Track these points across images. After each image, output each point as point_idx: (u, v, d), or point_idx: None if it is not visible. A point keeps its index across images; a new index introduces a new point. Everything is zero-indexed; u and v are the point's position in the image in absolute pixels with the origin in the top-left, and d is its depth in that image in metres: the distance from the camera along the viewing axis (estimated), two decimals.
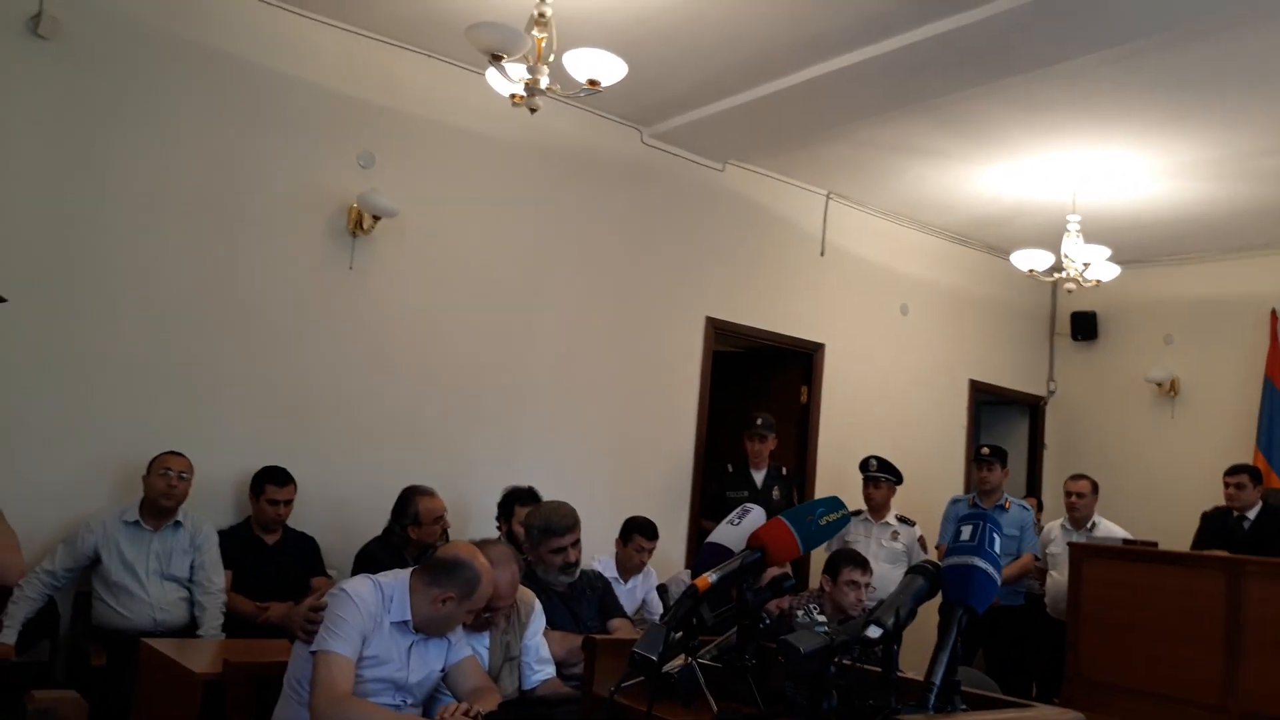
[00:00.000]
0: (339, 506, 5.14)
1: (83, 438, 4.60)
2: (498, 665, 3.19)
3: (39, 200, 4.52)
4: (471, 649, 3.06)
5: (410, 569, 2.96)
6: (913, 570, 1.86)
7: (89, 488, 4.57)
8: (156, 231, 4.79)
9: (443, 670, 2.95)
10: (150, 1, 4.78)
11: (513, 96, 4.18)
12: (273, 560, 4.77)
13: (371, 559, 4.54)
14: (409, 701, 2.88)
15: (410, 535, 4.73)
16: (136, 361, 4.73)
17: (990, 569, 1.77)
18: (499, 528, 5.01)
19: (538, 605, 3.40)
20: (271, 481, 4.77)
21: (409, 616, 2.84)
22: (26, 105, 4.49)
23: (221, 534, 4.68)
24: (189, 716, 3.14)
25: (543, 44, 4.14)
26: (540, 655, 3.31)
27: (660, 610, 5.11)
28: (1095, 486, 6.29)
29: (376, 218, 5.25)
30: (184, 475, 4.49)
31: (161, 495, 4.42)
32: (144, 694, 3.57)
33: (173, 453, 4.52)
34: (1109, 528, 6.16)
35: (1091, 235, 6.57)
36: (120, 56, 4.71)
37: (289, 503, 4.81)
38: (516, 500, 4.92)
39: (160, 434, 4.65)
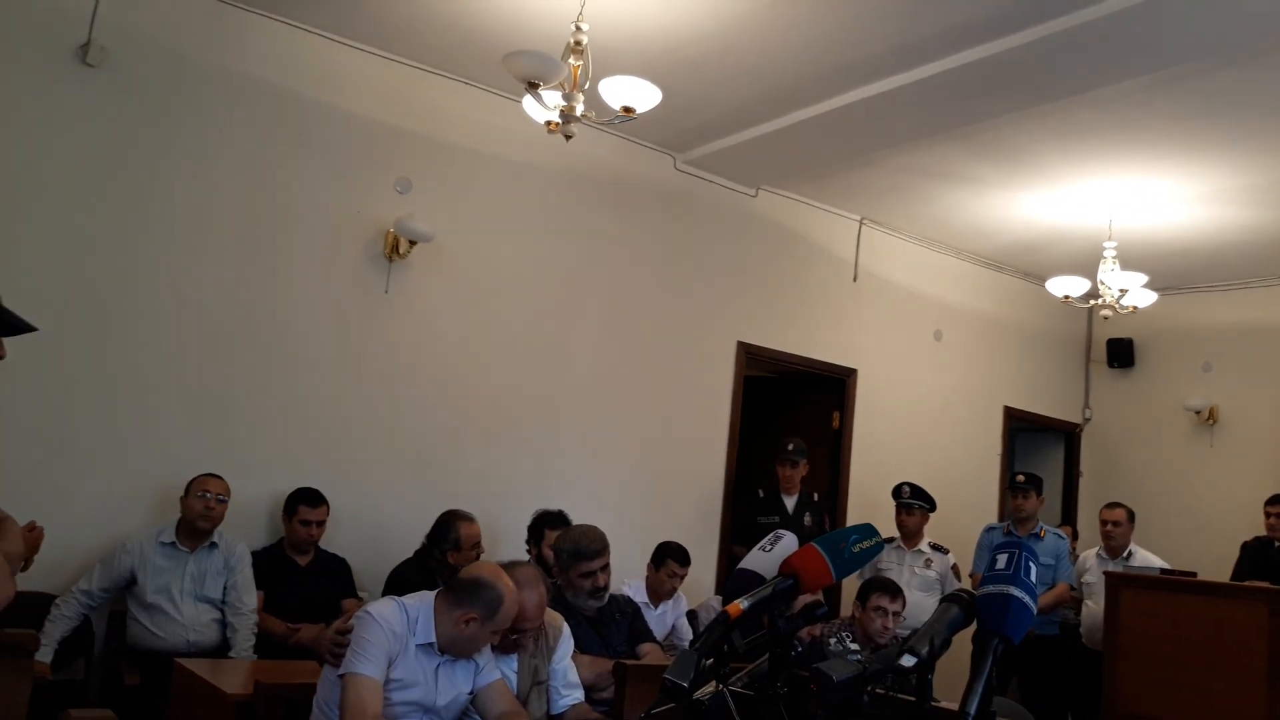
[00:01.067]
0: (372, 528, 5.17)
1: (121, 458, 4.65)
2: (525, 689, 3.18)
3: (82, 224, 4.60)
4: (500, 672, 3.06)
5: (435, 590, 2.97)
6: (947, 599, 1.84)
7: (127, 508, 4.63)
8: (197, 255, 4.87)
9: (471, 693, 2.95)
10: (195, 31, 4.88)
11: (548, 124, 4.21)
12: (305, 581, 4.80)
13: (403, 581, 4.54)
14: None
15: (449, 560, 4.71)
16: (175, 383, 4.79)
17: (1026, 598, 1.74)
18: (529, 551, 5.01)
19: (566, 629, 3.39)
20: (304, 503, 4.81)
21: (434, 638, 2.84)
22: (73, 131, 4.59)
23: (254, 555, 4.71)
24: None
25: (578, 72, 4.17)
26: (568, 680, 3.29)
27: (690, 636, 5.11)
28: (1132, 515, 6.20)
29: (413, 243, 5.30)
30: (222, 498, 4.53)
31: (199, 517, 4.46)
32: (176, 714, 3.59)
33: (211, 475, 4.56)
34: (1146, 557, 6.06)
35: (1128, 262, 6.51)
36: (166, 85, 4.81)
37: (321, 524, 4.84)
38: (546, 524, 4.92)
39: (197, 455, 4.71)
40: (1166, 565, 5.82)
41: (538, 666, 3.24)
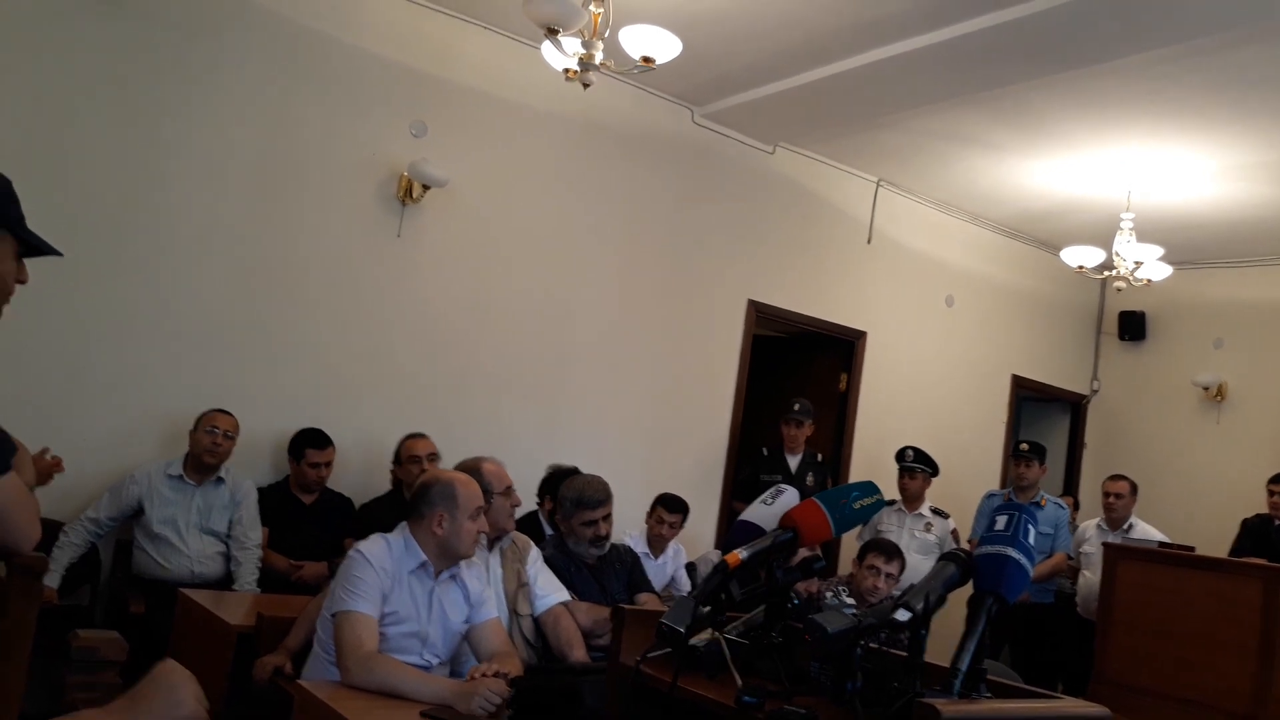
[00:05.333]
0: (378, 469, 5.21)
1: (133, 391, 4.69)
2: (512, 591, 3.32)
3: (99, 159, 4.60)
4: (497, 613, 3.10)
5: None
6: (945, 557, 1.86)
7: (136, 439, 4.67)
8: (212, 191, 4.87)
9: (465, 623, 2.98)
10: None
11: (566, 71, 4.19)
12: (309, 520, 4.85)
13: (369, 513, 4.76)
14: (436, 659, 2.92)
15: (394, 474, 4.91)
16: (186, 318, 4.81)
17: (1023, 560, 1.77)
18: (540, 504, 5.01)
19: (533, 546, 3.53)
20: (311, 445, 4.84)
21: (424, 558, 2.88)
22: (90, 65, 4.57)
23: (261, 492, 4.75)
24: (223, 666, 3.21)
25: (599, 19, 4.14)
26: (541, 583, 3.40)
27: (688, 588, 5.16)
28: (1134, 488, 6.21)
29: (426, 187, 5.29)
30: (230, 434, 4.57)
31: (206, 452, 4.50)
32: (180, 642, 3.65)
33: (221, 410, 4.60)
34: (1146, 530, 6.08)
35: (1144, 234, 6.47)
36: (183, 19, 4.77)
37: (328, 465, 4.88)
38: (562, 479, 4.91)
39: (207, 391, 4.74)
40: (1166, 539, 5.84)
41: (519, 570, 3.39)
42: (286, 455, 4.91)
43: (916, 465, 6.18)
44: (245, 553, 4.54)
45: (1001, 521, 1.81)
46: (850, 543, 6.36)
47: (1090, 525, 6.33)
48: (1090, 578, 6.00)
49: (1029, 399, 8.65)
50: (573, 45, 4.12)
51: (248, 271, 4.96)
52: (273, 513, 4.77)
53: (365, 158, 5.24)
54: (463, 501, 2.89)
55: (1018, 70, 5.07)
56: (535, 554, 3.51)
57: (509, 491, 3.38)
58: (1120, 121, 5.71)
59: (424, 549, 2.89)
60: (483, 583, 3.08)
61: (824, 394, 7.16)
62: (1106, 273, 6.46)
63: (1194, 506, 7.43)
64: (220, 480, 4.58)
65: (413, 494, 2.98)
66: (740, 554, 1.96)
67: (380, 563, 2.81)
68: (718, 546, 6.14)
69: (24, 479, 1.77)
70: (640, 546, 5.13)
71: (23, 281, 1.73)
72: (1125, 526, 6.11)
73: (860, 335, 7.28)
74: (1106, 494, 6.22)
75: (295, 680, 2.81)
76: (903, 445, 6.31)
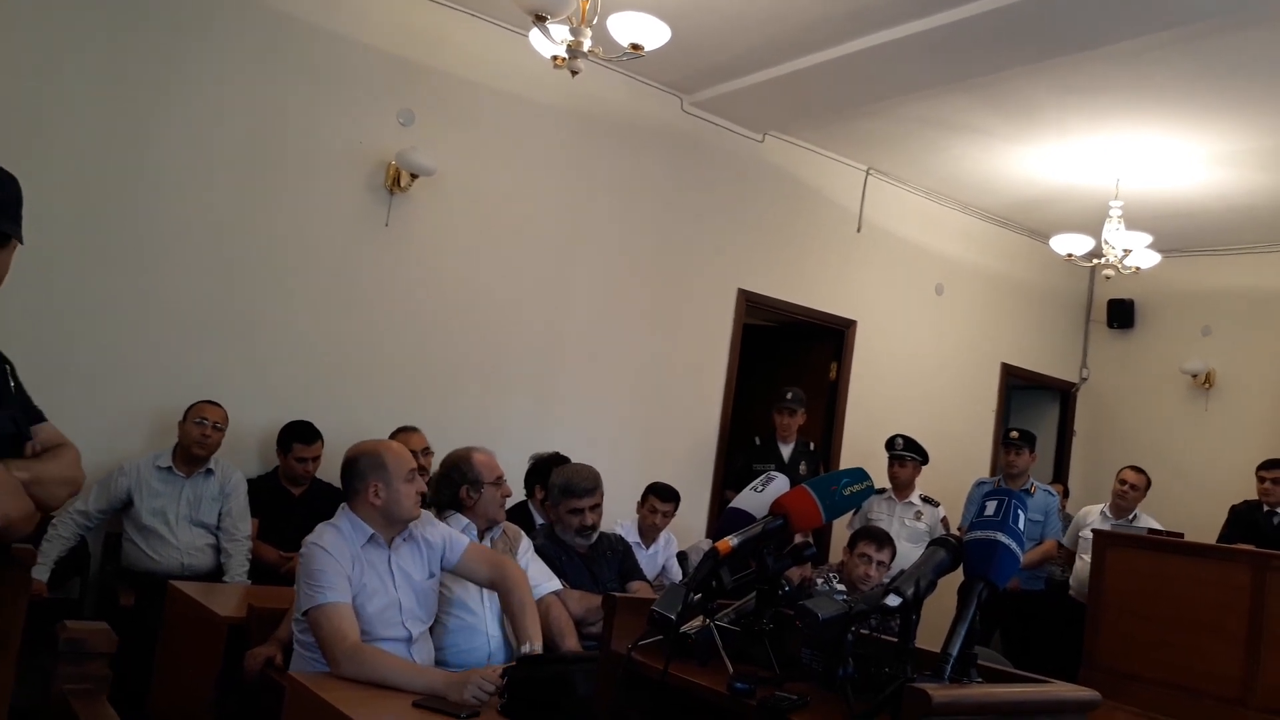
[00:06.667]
0: None
1: (120, 382, 4.67)
2: None
3: (83, 149, 4.56)
4: (466, 538, 3.12)
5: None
6: (935, 543, 1.86)
7: (125, 431, 4.65)
8: (198, 181, 4.84)
9: (432, 577, 2.97)
10: None
11: (554, 58, 4.16)
12: (298, 510, 4.82)
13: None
14: (420, 624, 2.91)
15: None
16: (174, 309, 4.78)
17: (1013, 544, 1.77)
18: (530, 494, 4.99)
19: (524, 537, 3.53)
20: (299, 440, 4.82)
21: (370, 530, 2.87)
22: (74, 55, 4.53)
23: (250, 483, 4.74)
24: (213, 657, 3.21)
25: (587, 6, 4.12)
26: (532, 573, 3.38)
27: (679, 576, 5.15)
28: (1149, 483, 6.23)
29: (414, 176, 5.27)
30: (219, 425, 4.55)
31: (195, 443, 4.49)
32: (170, 634, 3.65)
33: (209, 402, 4.59)
34: (1149, 522, 6.09)
35: (1133, 222, 6.48)
36: (168, 8, 4.74)
37: (316, 459, 4.86)
38: (551, 467, 4.91)
39: (195, 382, 4.72)
40: (1159, 527, 5.87)
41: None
42: (275, 448, 4.89)
43: (906, 453, 6.18)
44: (235, 544, 4.53)
45: (991, 507, 1.81)
46: (841, 531, 6.36)
47: (1094, 510, 6.32)
48: (1087, 561, 6.02)
49: (1018, 387, 8.67)
50: (561, 32, 4.10)
51: (234, 261, 4.93)
52: (262, 504, 4.76)
53: (353, 146, 5.22)
54: (392, 466, 2.88)
55: (1006, 57, 5.07)
56: (526, 544, 3.51)
57: (499, 481, 3.38)
58: (1109, 108, 5.71)
59: (369, 523, 2.87)
60: (442, 532, 3.05)
61: (814, 383, 7.17)
62: (1095, 260, 6.47)
63: (1182, 493, 7.46)
64: (210, 472, 4.56)
65: (342, 473, 2.96)
66: (731, 541, 1.96)
67: (335, 548, 2.78)
68: (709, 536, 6.14)
69: (48, 474, 1.82)
70: (632, 536, 5.13)
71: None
72: (1131, 517, 6.12)
73: (850, 324, 7.28)
74: (1122, 482, 6.20)
75: (286, 671, 2.80)
76: (893, 433, 6.32)
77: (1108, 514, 6.20)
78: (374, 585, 2.83)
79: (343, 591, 2.73)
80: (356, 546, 2.84)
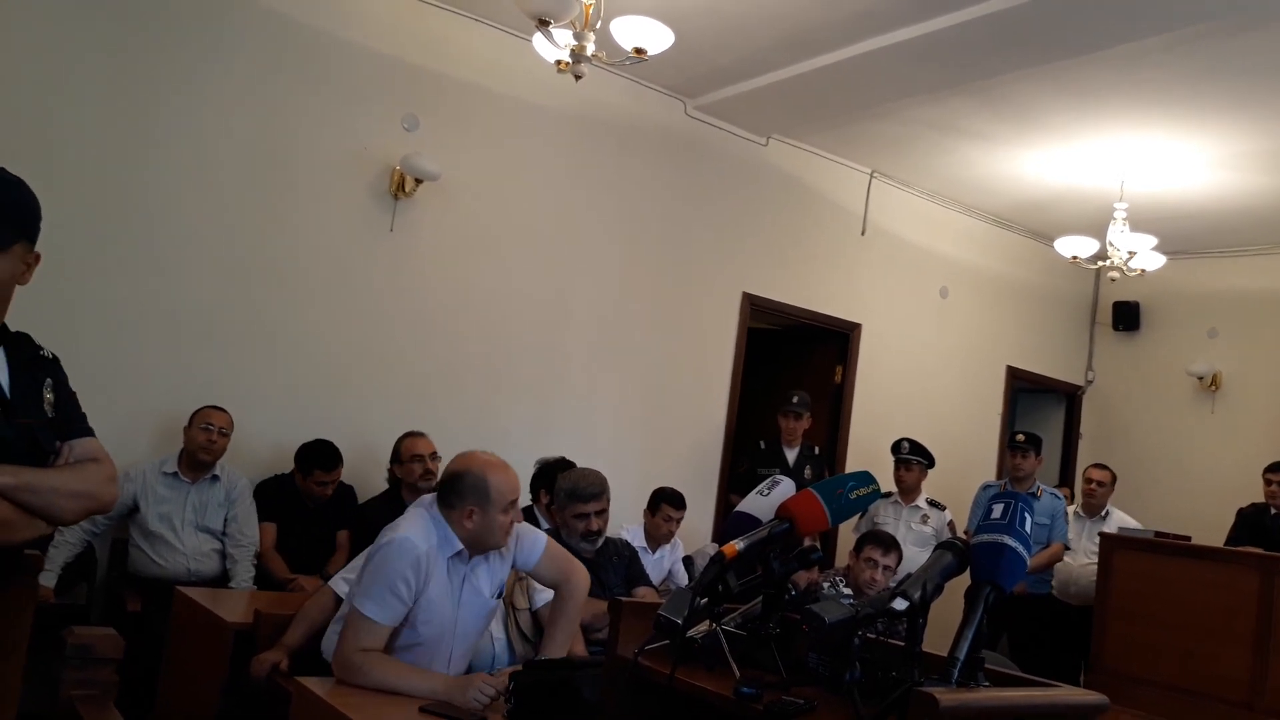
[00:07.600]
0: (372, 464, 5.20)
1: (125, 388, 4.67)
2: (511, 585, 3.25)
3: (90, 153, 4.57)
4: (540, 534, 3.06)
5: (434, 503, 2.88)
6: (942, 546, 1.85)
7: (130, 437, 4.65)
8: (202, 186, 4.85)
9: (496, 598, 2.91)
10: None
11: (558, 63, 4.17)
12: (314, 517, 4.83)
13: (366, 513, 4.71)
14: (463, 648, 2.86)
15: (394, 473, 4.85)
16: (178, 315, 4.79)
17: (1020, 548, 1.75)
18: (535, 499, 4.98)
19: (523, 537, 3.45)
20: (320, 467, 4.75)
21: (460, 546, 2.78)
22: (82, 59, 4.54)
23: (265, 483, 4.75)
24: (220, 663, 3.20)
25: (590, 10, 4.12)
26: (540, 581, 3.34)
27: (685, 581, 5.15)
28: (1114, 478, 6.40)
29: (419, 181, 5.27)
30: (224, 431, 4.55)
31: (201, 449, 4.49)
32: (177, 640, 3.64)
33: (215, 407, 4.59)
34: (1122, 518, 6.28)
35: (1138, 224, 6.47)
36: (174, 12, 4.75)
37: (334, 483, 4.82)
38: (556, 472, 4.89)
39: (201, 387, 4.72)
40: (1139, 526, 5.91)
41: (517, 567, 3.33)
42: (280, 449, 4.89)
43: (912, 457, 6.18)
44: (241, 550, 4.53)
45: (998, 510, 1.80)
46: (847, 535, 6.36)
47: (1068, 512, 6.39)
48: (1068, 562, 6.12)
49: (1024, 390, 8.66)
50: (564, 37, 4.10)
51: (239, 266, 4.94)
52: (278, 507, 4.75)
53: (357, 151, 5.23)
54: (495, 496, 2.76)
55: (1010, 60, 5.07)
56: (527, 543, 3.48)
57: (509, 509, 3.25)
58: (1113, 111, 5.71)
59: (458, 535, 2.78)
60: (518, 533, 2.97)
61: (819, 386, 7.16)
62: (1100, 263, 6.46)
63: (1189, 496, 7.45)
64: (215, 478, 4.57)
65: (443, 479, 2.85)
66: (737, 545, 1.95)
67: (422, 553, 2.69)
68: (714, 540, 6.13)
69: (65, 486, 1.83)
70: (637, 540, 5.12)
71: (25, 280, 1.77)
72: (1102, 514, 6.23)
73: (855, 327, 7.27)
74: (1089, 481, 6.40)
75: (293, 677, 2.80)
76: (898, 437, 6.31)
77: (1080, 514, 6.29)
78: (438, 597, 2.74)
79: (394, 615, 2.67)
80: (442, 558, 2.76)
